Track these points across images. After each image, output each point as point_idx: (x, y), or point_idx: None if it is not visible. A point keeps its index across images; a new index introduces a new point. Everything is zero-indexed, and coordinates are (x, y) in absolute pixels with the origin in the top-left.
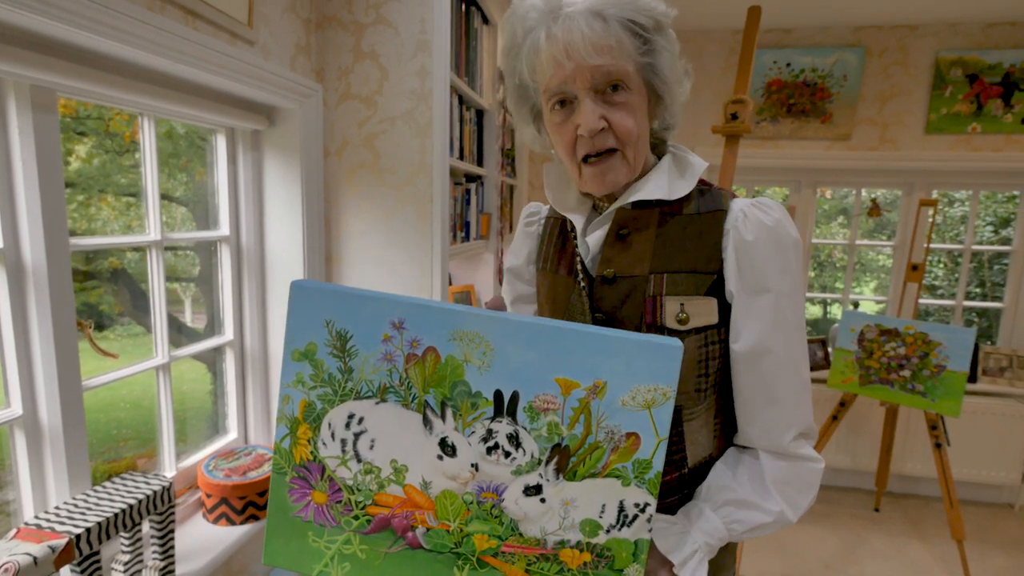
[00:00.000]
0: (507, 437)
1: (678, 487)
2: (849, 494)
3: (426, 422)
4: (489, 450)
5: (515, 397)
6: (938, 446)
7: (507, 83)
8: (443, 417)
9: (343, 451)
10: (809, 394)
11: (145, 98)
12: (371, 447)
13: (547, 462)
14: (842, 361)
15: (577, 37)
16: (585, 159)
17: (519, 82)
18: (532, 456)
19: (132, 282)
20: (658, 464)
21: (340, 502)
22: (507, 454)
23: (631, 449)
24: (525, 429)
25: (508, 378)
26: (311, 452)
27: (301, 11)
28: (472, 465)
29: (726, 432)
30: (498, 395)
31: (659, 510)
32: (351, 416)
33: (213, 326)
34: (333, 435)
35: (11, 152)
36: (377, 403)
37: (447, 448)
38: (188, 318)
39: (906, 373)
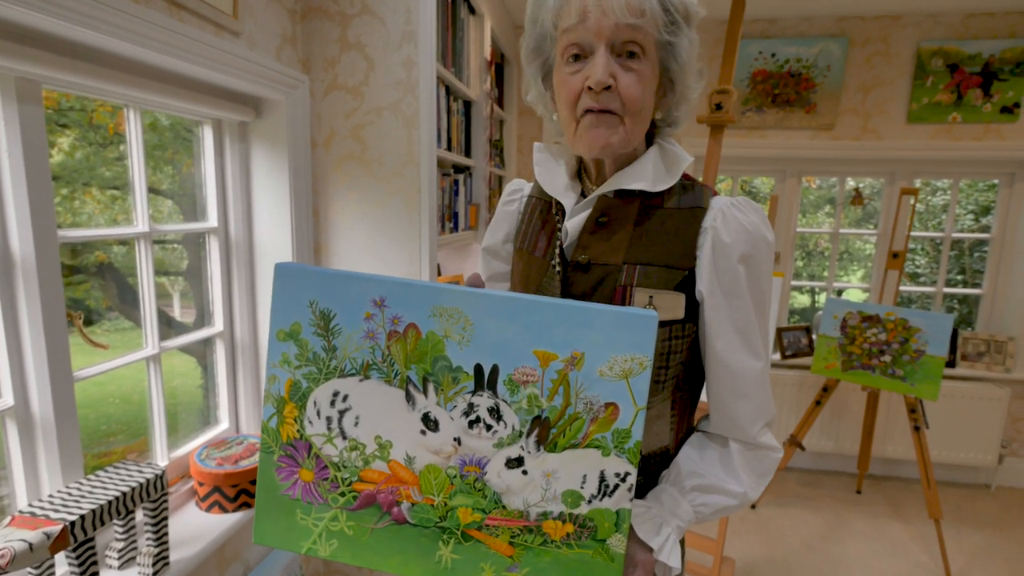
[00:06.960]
0: (488, 410)
1: None
2: (832, 477)
3: (408, 398)
4: (471, 424)
5: (495, 371)
6: (917, 429)
7: (526, 34)
8: (425, 392)
9: (328, 428)
10: (770, 385)
11: (131, 90)
12: (356, 424)
13: (528, 434)
14: (825, 347)
15: None
16: (585, 113)
17: (539, 31)
18: (513, 429)
19: (119, 276)
20: (637, 433)
21: (327, 479)
22: (488, 427)
23: (610, 419)
24: (506, 402)
25: (488, 352)
26: (297, 430)
27: (286, 1)
28: (455, 439)
29: (684, 427)
30: (478, 369)
31: None
32: (336, 394)
33: (203, 318)
34: (319, 413)
35: None
36: (361, 380)
37: (430, 423)
38: (177, 312)
39: (887, 358)
